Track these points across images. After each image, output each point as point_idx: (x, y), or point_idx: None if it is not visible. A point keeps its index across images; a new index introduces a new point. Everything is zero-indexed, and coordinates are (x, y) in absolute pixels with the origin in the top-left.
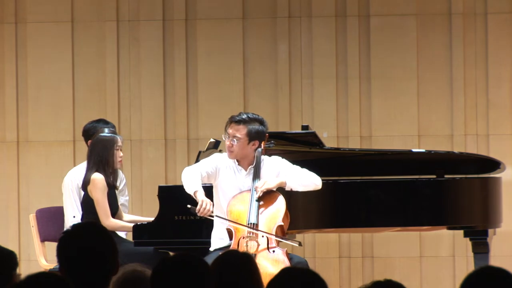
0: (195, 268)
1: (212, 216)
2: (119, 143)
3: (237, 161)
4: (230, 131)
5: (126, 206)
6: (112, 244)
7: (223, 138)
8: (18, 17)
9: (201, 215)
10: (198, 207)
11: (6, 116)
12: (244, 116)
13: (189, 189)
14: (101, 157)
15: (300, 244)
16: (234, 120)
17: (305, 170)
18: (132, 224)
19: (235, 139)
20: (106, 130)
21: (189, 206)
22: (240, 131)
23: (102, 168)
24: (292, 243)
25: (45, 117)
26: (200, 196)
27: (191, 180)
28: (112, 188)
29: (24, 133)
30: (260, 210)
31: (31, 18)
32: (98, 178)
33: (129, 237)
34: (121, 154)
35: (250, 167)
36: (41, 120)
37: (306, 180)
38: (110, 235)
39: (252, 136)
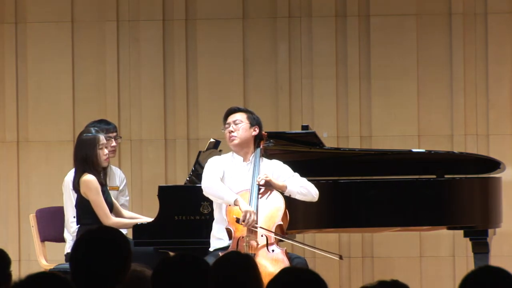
0: (195, 268)
1: (256, 228)
2: (102, 142)
3: (237, 153)
4: (230, 120)
5: (126, 206)
6: (126, 256)
7: (222, 130)
8: (18, 17)
9: (246, 226)
10: (242, 218)
11: (6, 116)
12: (241, 107)
13: (226, 199)
14: (85, 158)
15: (341, 257)
16: (233, 109)
17: (305, 180)
18: (133, 221)
19: (237, 122)
20: (92, 130)
21: (234, 216)
22: (241, 116)
23: (89, 168)
24: (332, 256)
25: (45, 117)
26: (244, 206)
27: (223, 190)
28: (103, 186)
29: (24, 133)
30: (259, 209)
31: (31, 18)
32: (90, 179)
33: (129, 235)
34: (106, 151)
35: (250, 156)
36: (41, 120)
37: (305, 190)
38: (127, 248)
39: (253, 121)
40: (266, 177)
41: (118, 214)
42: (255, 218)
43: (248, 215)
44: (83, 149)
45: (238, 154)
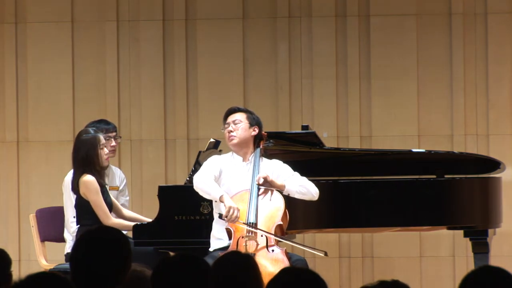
0: (195, 268)
1: (240, 223)
2: (102, 142)
3: (237, 153)
4: (229, 120)
5: (126, 206)
6: (126, 256)
7: (222, 130)
8: (18, 17)
9: (229, 222)
10: (225, 213)
11: (6, 116)
12: (240, 107)
13: (213, 195)
14: (86, 158)
15: (326, 254)
16: (233, 109)
17: (304, 179)
18: (132, 223)
19: (236, 122)
20: (91, 130)
21: (218, 212)
22: (240, 116)
23: (89, 169)
24: (317, 252)
25: (45, 117)
26: (228, 202)
27: (210, 186)
28: (103, 187)
29: (24, 133)
30: (259, 209)
31: (31, 18)
32: (89, 180)
33: (129, 234)
34: (107, 151)
35: (250, 156)
36: (41, 120)
37: (304, 189)
38: (127, 248)
39: (252, 121)
40: (265, 175)
41: (118, 213)
42: (238, 215)
43: (231, 210)
44: (84, 149)
45: (237, 154)
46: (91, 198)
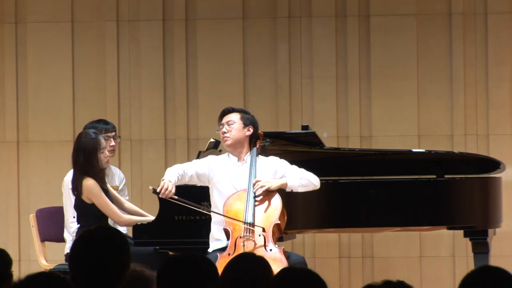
0: (201, 268)
1: (174, 199)
2: (103, 145)
3: (232, 153)
4: (224, 120)
5: None
6: (126, 256)
7: (217, 132)
8: (18, 17)
9: (163, 196)
10: (159, 188)
11: (6, 116)
12: (235, 107)
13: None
14: (86, 162)
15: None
16: (227, 110)
17: (303, 170)
18: (142, 219)
19: (230, 123)
20: (91, 133)
21: (151, 187)
22: (235, 116)
23: (92, 173)
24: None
25: (45, 117)
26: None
27: (167, 173)
28: (104, 190)
29: (24, 133)
30: (256, 209)
31: (31, 18)
32: (91, 184)
33: (129, 233)
34: (107, 154)
35: (245, 156)
36: (41, 120)
37: (306, 181)
38: (127, 248)
39: (246, 121)
40: (263, 186)
41: (120, 206)
42: (172, 189)
43: (165, 185)
44: (84, 154)
45: (232, 154)
46: (97, 201)
